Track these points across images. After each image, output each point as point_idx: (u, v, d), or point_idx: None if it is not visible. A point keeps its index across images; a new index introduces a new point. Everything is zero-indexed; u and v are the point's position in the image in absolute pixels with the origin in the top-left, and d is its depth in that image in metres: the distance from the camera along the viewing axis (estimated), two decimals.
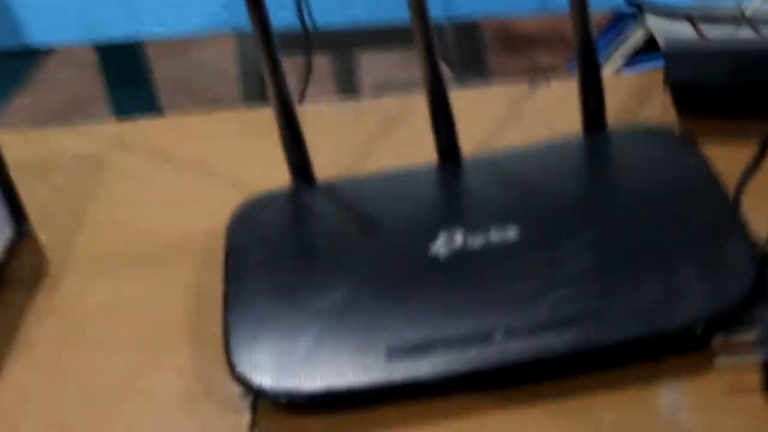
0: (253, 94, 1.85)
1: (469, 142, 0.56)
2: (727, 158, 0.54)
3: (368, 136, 0.62)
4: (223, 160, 0.62)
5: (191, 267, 0.54)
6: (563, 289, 0.45)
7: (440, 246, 0.48)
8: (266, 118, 0.64)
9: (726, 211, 0.48)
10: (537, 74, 0.66)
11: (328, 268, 0.49)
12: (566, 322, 0.44)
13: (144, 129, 0.66)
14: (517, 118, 0.61)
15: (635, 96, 0.62)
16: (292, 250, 0.50)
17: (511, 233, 0.48)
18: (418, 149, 0.59)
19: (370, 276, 0.48)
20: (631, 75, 0.65)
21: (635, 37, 0.90)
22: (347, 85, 1.50)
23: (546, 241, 0.48)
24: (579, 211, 0.49)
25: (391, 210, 0.51)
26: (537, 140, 0.60)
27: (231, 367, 0.45)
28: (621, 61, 0.88)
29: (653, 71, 0.65)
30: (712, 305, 0.44)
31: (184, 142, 0.64)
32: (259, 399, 0.46)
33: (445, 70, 0.53)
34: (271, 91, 0.52)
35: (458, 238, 0.49)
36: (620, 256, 0.46)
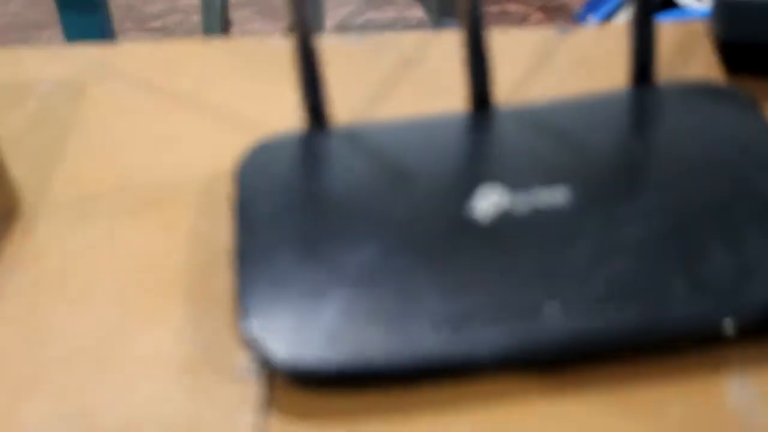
0: (214, 27, 1.75)
1: (497, 91, 0.50)
2: None
3: (384, 76, 0.55)
4: (220, 94, 0.55)
5: (190, 212, 0.47)
6: (621, 260, 0.39)
7: (479, 205, 0.42)
8: (266, 49, 0.57)
9: None
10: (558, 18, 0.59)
11: (355, 223, 0.42)
12: (626, 297, 0.38)
13: (129, 54, 0.58)
14: (548, 65, 0.55)
15: (674, 50, 0.56)
16: (312, 202, 0.43)
17: (559, 195, 0.42)
18: (442, 93, 0.53)
19: (402, 235, 0.41)
20: (667, 25, 0.59)
21: None
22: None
23: (600, 205, 0.41)
24: (635, 173, 0.43)
25: (420, 161, 0.44)
26: (573, 91, 0.54)
27: (244, 333, 0.39)
28: None
29: (692, 23, 0.59)
30: None
31: (177, 71, 0.56)
32: (276, 373, 0.39)
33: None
34: (291, 18, 0.45)
35: (499, 198, 0.42)
36: (684, 224, 0.40)
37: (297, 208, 0.43)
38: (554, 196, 0.42)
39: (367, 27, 1.62)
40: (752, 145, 0.44)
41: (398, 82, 0.55)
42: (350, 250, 0.40)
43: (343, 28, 1.66)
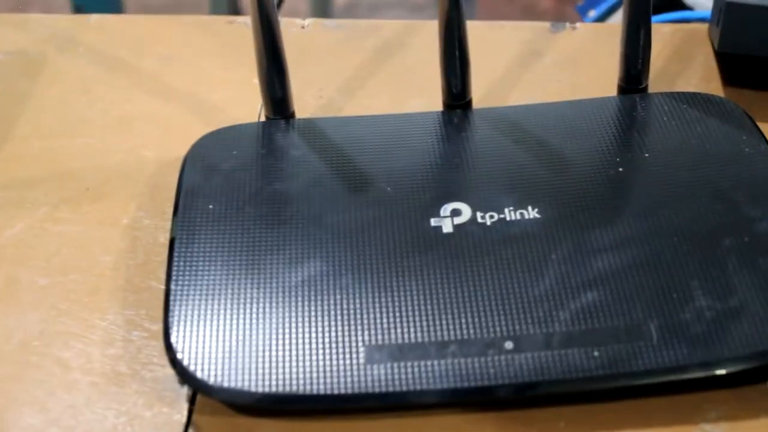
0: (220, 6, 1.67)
1: (477, 88, 0.45)
2: None
3: (361, 65, 0.51)
4: (187, 75, 0.50)
5: (133, 205, 0.42)
6: (589, 295, 0.35)
7: (441, 223, 0.37)
8: (242, 31, 0.52)
9: None
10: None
11: (301, 233, 0.37)
12: (590, 341, 0.33)
13: (97, 27, 0.53)
14: (537, 63, 0.50)
15: (673, 54, 0.51)
16: (259, 203, 0.38)
17: (528, 216, 0.37)
18: (420, 87, 0.48)
19: (351, 249, 0.36)
20: (667, 27, 0.54)
21: None
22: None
23: (570, 230, 0.37)
24: (613, 193, 0.38)
25: (381, 166, 0.40)
26: (560, 92, 0.49)
27: (169, 351, 0.34)
28: None
29: (695, 26, 0.54)
30: None
31: (145, 48, 0.52)
32: (200, 395, 0.35)
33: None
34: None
35: (463, 217, 0.37)
36: (663, 256, 0.36)
37: (241, 211, 0.38)
38: (522, 218, 0.37)
39: (377, 6, 1.56)
40: (744, 166, 0.39)
41: (375, 73, 0.50)
42: (292, 265, 0.36)
43: (352, 7, 1.60)
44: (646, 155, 0.40)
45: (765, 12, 0.44)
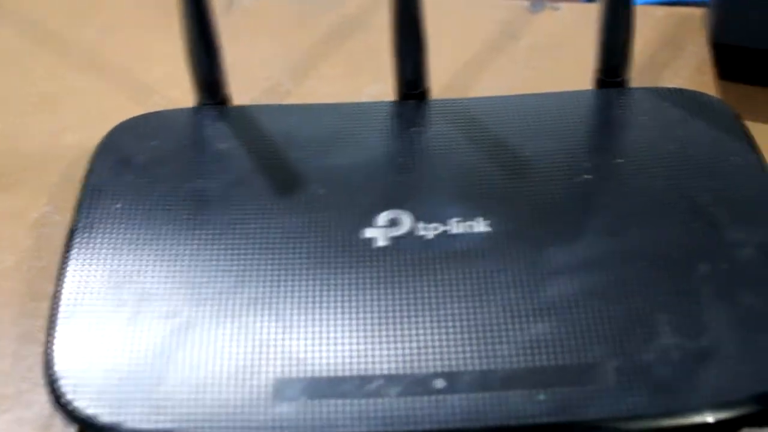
0: None
1: (441, 74, 0.40)
2: None
3: (315, 45, 0.45)
4: (123, 51, 0.44)
5: (44, 197, 0.37)
6: (538, 328, 0.29)
7: (376, 234, 0.32)
8: None
9: None
10: None
11: (214, 240, 0.32)
12: (537, 382, 0.28)
13: None
14: (511, 48, 0.44)
15: (663, 41, 0.45)
16: (171, 205, 0.33)
17: (476, 230, 0.32)
18: (378, 70, 0.42)
19: (269, 261, 0.31)
20: (658, 9, 0.48)
21: None
22: None
23: (523, 248, 0.31)
24: (579, 205, 0.33)
25: (319, 164, 0.34)
26: (534, 81, 0.43)
27: (50, 382, 0.29)
28: None
29: (689, 11, 0.48)
30: (744, 384, 0.28)
31: (80, 19, 0.46)
32: None
33: None
34: None
35: (402, 229, 0.32)
36: (627, 283, 0.30)
37: (149, 214, 0.32)
38: (469, 231, 0.32)
39: None
40: (729, 179, 0.33)
41: (331, 54, 0.45)
42: (198, 281, 0.30)
43: None
44: (619, 161, 0.34)
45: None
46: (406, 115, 0.36)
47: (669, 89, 0.37)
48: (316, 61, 0.44)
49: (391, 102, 0.37)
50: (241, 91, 0.39)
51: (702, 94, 0.37)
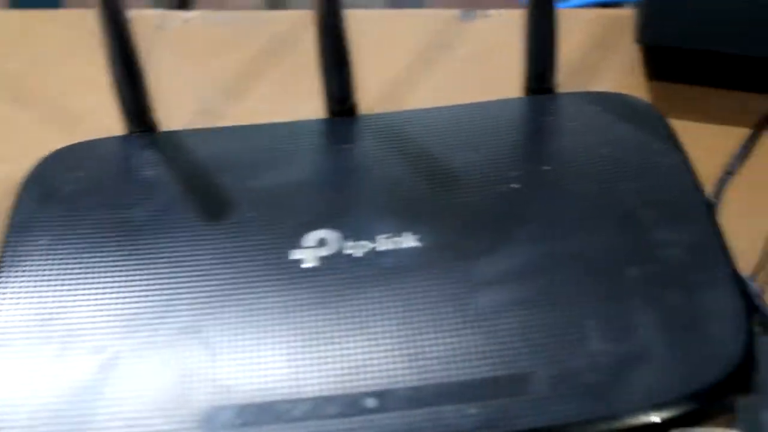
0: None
1: (376, 88, 0.39)
2: (709, 145, 0.38)
3: (249, 65, 0.45)
4: (53, 79, 0.44)
5: None
6: (467, 338, 0.29)
7: (304, 254, 0.31)
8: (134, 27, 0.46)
9: (704, 227, 0.32)
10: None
11: (142, 268, 0.31)
12: (466, 395, 0.28)
13: None
14: (444, 58, 0.44)
15: (593, 43, 0.45)
16: (98, 237, 0.32)
17: (404, 245, 0.31)
18: (310, 88, 0.42)
19: (197, 287, 0.31)
20: (588, 12, 0.48)
21: None
22: None
23: (454, 258, 0.31)
24: (507, 214, 0.32)
25: (246, 187, 0.34)
26: (467, 91, 0.42)
27: None
28: None
29: (619, 13, 0.48)
30: (675, 385, 0.28)
31: (12, 47, 0.45)
32: None
33: None
34: None
35: (330, 246, 0.32)
36: (556, 290, 0.30)
37: (77, 246, 0.32)
38: (398, 247, 0.31)
39: None
40: (656, 180, 0.33)
41: (263, 73, 0.44)
42: (127, 312, 0.30)
43: None
44: (546, 168, 0.34)
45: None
46: (335, 132, 0.36)
47: (595, 93, 0.37)
48: (249, 82, 0.43)
49: (320, 120, 0.37)
50: (174, 115, 0.39)
51: (628, 97, 0.37)
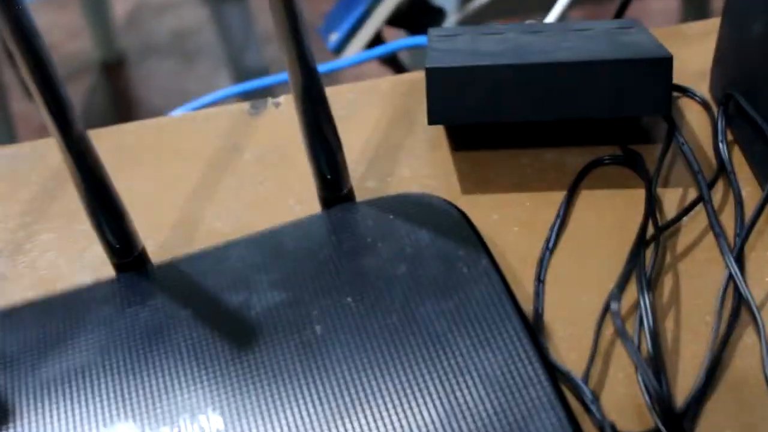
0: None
1: (170, 216, 0.36)
2: (526, 219, 0.36)
3: (28, 205, 0.40)
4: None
5: None
6: None
7: None
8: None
9: (518, 344, 0.29)
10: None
11: None
12: None
13: None
14: (236, 164, 0.40)
15: (391, 119, 0.42)
16: None
17: (209, 421, 0.28)
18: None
19: None
20: (380, 82, 0.45)
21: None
22: None
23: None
24: (311, 367, 0.29)
25: (36, 374, 0.30)
26: (262, 206, 0.39)
27: None
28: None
29: (414, 77, 0.45)
30: None
31: None
32: None
33: None
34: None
35: None
36: None
37: None
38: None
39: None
40: (462, 295, 0.30)
41: (44, 211, 0.40)
42: None
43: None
44: (348, 300, 0.31)
45: (465, 73, 0.36)
46: (129, 294, 0.32)
47: (395, 198, 0.35)
48: (30, 224, 0.39)
49: (106, 280, 0.33)
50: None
51: (428, 197, 0.35)
